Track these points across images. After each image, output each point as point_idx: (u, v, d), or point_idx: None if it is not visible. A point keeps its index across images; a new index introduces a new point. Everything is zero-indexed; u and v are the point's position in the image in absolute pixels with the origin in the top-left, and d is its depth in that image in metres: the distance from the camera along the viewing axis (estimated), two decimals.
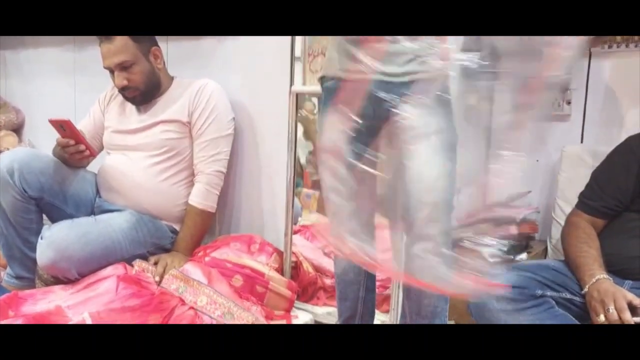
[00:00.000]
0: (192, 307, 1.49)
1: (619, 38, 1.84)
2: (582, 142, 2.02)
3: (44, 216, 1.74)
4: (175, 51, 2.04)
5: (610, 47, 1.88)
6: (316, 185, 2.26)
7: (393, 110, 1.26)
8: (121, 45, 1.72)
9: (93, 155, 1.76)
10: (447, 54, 1.31)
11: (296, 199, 2.04)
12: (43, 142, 2.41)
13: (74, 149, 1.68)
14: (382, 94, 1.26)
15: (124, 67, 1.74)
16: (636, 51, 1.86)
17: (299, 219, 2.24)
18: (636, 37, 1.81)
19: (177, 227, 1.80)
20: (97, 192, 1.83)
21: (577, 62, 1.97)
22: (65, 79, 2.36)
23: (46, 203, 1.70)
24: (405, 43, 1.23)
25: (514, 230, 1.89)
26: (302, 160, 2.67)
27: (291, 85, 1.79)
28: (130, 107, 1.85)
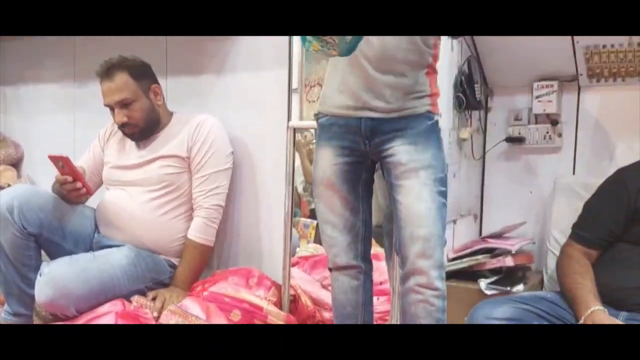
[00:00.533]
0: None
1: (606, 72, 1.89)
2: (574, 173, 2.06)
3: (43, 252, 1.75)
4: (175, 87, 2.07)
5: (598, 81, 1.93)
6: (314, 214, 2.27)
7: (383, 146, 1.29)
8: (121, 83, 1.76)
9: (90, 193, 1.77)
10: (437, 91, 1.35)
11: (294, 230, 2.05)
12: (42, 177, 2.43)
13: (72, 186, 1.70)
14: (372, 130, 1.29)
15: (124, 104, 1.77)
16: (623, 85, 1.92)
17: (297, 249, 2.25)
18: (623, 72, 1.86)
19: (175, 261, 1.81)
20: (96, 227, 1.84)
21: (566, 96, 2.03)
22: (65, 115, 2.39)
23: (45, 239, 1.70)
24: (397, 78, 1.27)
25: (509, 261, 1.91)
26: (300, 189, 2.69)
27: (289, 119, 1.82)
28: (130, 143, 1.87)
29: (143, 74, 1.81)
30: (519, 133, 2.11)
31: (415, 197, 1.25)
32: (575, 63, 1.90)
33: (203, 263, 1.82)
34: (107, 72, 1.77)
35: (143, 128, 1.81)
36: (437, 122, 1.33)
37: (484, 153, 2.23)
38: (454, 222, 2.08)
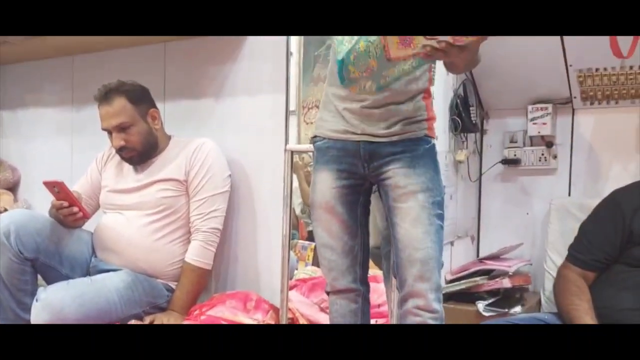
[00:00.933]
0: None
1: (600, 95, 1.92)
2: (569, 194, 2.07)
3: (39, 277, 1.74)
4: (173, 111, 2.09)
5: (592, 103, 1.96)
6: (312, 236, 2.27)
7: (381, 169, 1.30)
8: (119, 107, 1.77)
9: (86, 217, 1.78)
10: (433, 115, 1.37)
11: (292, 252, 2.05)
12: (39, 201, 2.43)
13: (68, 211, 1.70)
14: (371, 154, 1.30)
15: (121, 128, 1.78)
16: (616, 107, 1.94)
17: (295, 272, 2.25)
18: (616, 95, 1.89)
19: (173, 285, 1.80)
20: (93, 251, 1.83)
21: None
22: (62, 139, 2.40)
23: (42, 264, 1.70)
24: (396, 107, 1.28)
25: (507, 283, 1.91)
26: (297, 211, 2.69)
27: (286, 143, 1.84)
28: (128, 167, 1.88)
29: (141, 98, 1.83)
30: (515, 155, 2.12)
31: (413, 220, 1.26)
32: (569, 86, 1.93)
33: (201, 287, 1.81)
34: (105, 96, 1.78)
35: (141, 152, 1.82)
36: (434, 145, 1.34)
37: (480, 175, 2.25)
38: (452, 243, 2.08)
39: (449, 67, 1.27)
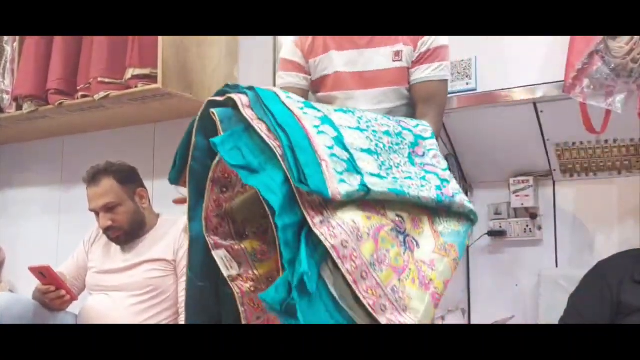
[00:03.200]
0: None
1: (578, 167, 1.98)
2: (557, 266, 2.08)
3: None
4: (162, 189, 2.11)
5: (571, 176, 2.01)
6: None
7: None
8: (107, 187, 1.79)
9: (74, 299, 1.75)
10: None
11: None
12: (23, 282, 2.39)
13: (55, 295, 1.68)
14: None
15: (109, 208, 1.79)
16: (595, 179, 1.99)
17: None
18: (594, 167, 1.94)
19: None
20: None
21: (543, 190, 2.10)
22: (49, 219, 2.40)
23: None
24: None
25: None
26: None
27: None
28: (115, 248, 1.87)
29: (129, 179, 1.85)
30: (500, 227, 2.15)
31: None
32: (548, 159, 1.99)
33: None
34: (93, 178, 1.80)
35: (127, 231, 1.82)
36: None
37: (468, 247, 2.26)
38: (443, 318, 2.06)
39: None
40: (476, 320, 2.27)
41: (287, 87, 1.43)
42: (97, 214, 1.81)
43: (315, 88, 1.51)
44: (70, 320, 1.81)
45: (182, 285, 1.78)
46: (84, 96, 1.99)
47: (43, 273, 1.67)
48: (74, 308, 1.85)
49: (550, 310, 1.92)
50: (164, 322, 1.77)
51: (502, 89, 1.75)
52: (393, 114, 1.39)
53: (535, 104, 1.77)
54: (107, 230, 1.81)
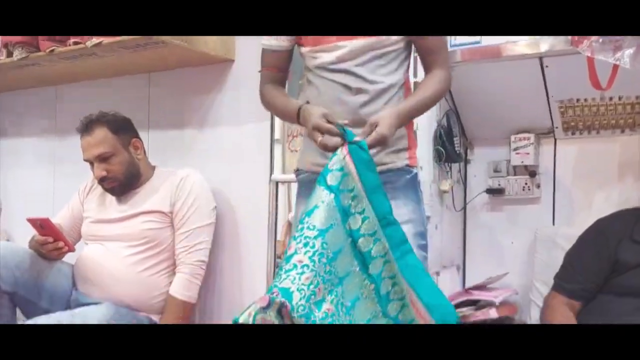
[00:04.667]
0: None
1: (581, 125, 1.95)
2: (553, 224, 2.08)
3: (18, 311, 1.70)
4: (157, 141, 2.08)
5: (573, 133, 1.98)
6: None
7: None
8: (100, 137, 1.76)
9: (71, 250, 1.75)
10: (415, 144, 1.37)
11: None
12: (19, 231, 2.39)
13: (53, 246, 1.68)
14: None
15: (103, 158, 1.76)
16: (598, 137, 1.97)
17: None
18: (597, 125, 1.92)
19: (156, 318, 1.76)
20: (74, 284, 1.80)
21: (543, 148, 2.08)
22: (44, 169, 2.38)
23: (20, 297, 1.66)
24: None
25: (493, 313, 1.90)
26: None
27: (271, 173, 1.83)
28: (110, 198, 1.86)
29: (123, 128, 1.82)
30: (499, 184, 2.13)
31: None
32: (551, 116, 1.96)
33: (185, 320, 1.78)
34: (86, 127, 1.77)
35: (122, 182, 1.80)
36: (415, 175, 1.34)
37: (465, 205, 2.25)
38: (437, 274, 2.07)
39: None
40: (470, 276, 2.29)
41: (270, 49, 1.38)
42: (92, 164, 1.79)
43: (300, 42, 1.43)
44: (66, 270, 1.81)
45: (180, 237, 1.77)
46: (75, 43, 1.93)
47: (42, 225, 1.66)
48: (70, 258, 1.85)
49: (545, 268, 1.93)
50: (160, 273, 1.77)
51: (507, 42, 1.70)
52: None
53: (540, 59, 1.73)
54: (102, 181, 1.79)
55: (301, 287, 1.00)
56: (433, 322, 1.14)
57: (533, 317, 1.96)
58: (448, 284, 2.18)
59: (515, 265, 2.16)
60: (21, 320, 1.65)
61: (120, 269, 1.75)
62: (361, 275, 1.11)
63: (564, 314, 1.56)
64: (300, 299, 0.99)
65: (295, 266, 1.01)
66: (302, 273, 1.01)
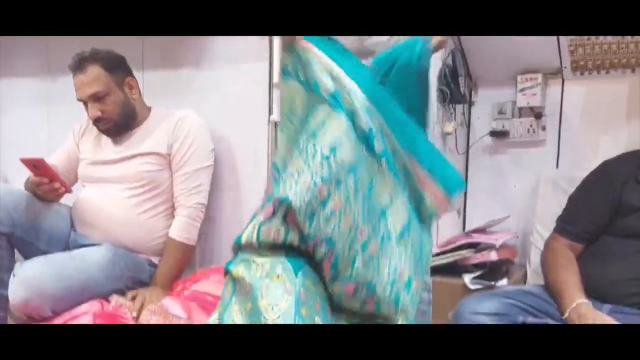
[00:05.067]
0: None
1: (590, 64, 1.89)
2: (557, 167, 2.05)
3: (17, 253, 1.69)
4: (152, 81, 2.02)
5: (582, 74, 1.93)
6: None
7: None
8: (94, 75, 1.70)
9: (68, 191, 1.72)
10: None
11: None
12: (15, 173, 2.36)
13: (49, 187, 1.65)
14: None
15: (97, 98, 1.71)
16: (607, 77, 1.91)
17: None
18: (607, 64, 1.86)
19: (155, 260, 1.76)
20: (72, 226, 1.78)
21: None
22: (39, 110, 2.32)
23: (18, 238, 1.65)
24: None
25: (493, 255, 1.90)
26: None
27: (270, 114, 1.78)
28: (106, 139, 1.82)
29: (116, 66, 1.76)
30: (503, 127, 2.10)
31: None
32: (560, 56, 1.90)
33: (185, 262, 1.77)
34: (79, 65, 1.71)
35: (118, 122, 1.75)
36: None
37: (468, 147, 2.22)
38: (438, 216, 2.06)
39: None
40: (471, 220, 2.28)
41: None
42: (86, 104, 1.74)
43: None
44: (64, 212, 1.79)
45: (178, 179, 1.75)
46: None
47: (35, 165, 1.63)
48: (67, 200, 1.83)
49: (547, 211, 1.92)
50: (159, 215, 1.76)
51: None
52: None
53: None
54: (96, 121, 1.75)
55: (299, 192, 0.98)
56: (436, 189, 1.12)
57: (533, 260, 1.96)
58: (448, 227, 2.17)
59: (516, 209, 2.16)
60: (20, 261, 1.64)
61: (119, 211, 1.73)
62: (370, 158, 1.07)
63: (565, 256, 1.55)
64: (301, 202, 0.97)
65: (291, 174, 1.00)
66: (299, 179, 0.99)
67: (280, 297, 0.98)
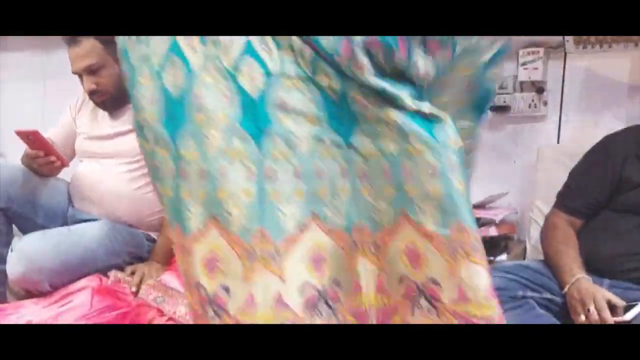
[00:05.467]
0: (171, 318, 1.46)
1: (593, 39, 1.86)
2: (558, 142, 2.04)
3: (15, 228, 1.69)
4: None
5: (584, 47, 1.90)
6: None
7: None
8: (88, 48, 1.67)
9: (64, 165, 1.71)
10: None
11: None
12: (11, 148, 2.35)
13: (44, 160, 1.63)
14: None
15: (92, 70, 1.68)
16: (610, 52, 1.88)
17: None
18: (609, 38, 1.83)
19: (154, 235, 1.76)
20: (70, 201, 1.78)
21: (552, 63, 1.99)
22: (33, 84, 2.30)
23: (14, 213, 1.65)
24: None
25: (493, 231, 1.90)
26: None
27: None
28: (103, 113, 1.80)
29: (112, 39, 1.72)
30: (504, 101, 2.07)
31: None
32: None
33: None
34: (73, 37, 1.68)
35: (114, 95, 1.72)
36: None
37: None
38: None
39: None
40: (471, 195, 2.27)
41: None
42: (81, 77, 1.71)
43: None
44: (62, 187, 1.78)
45: None
46: None
47: (30, 137, 1.61)
48: (65, 175, 1.82)
49: (547, 186, 1.91)
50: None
51: None
52: None
53: None
54: (92, 95, 1.72)
55: None
56: None
57: (533, 236, 1.96)
58: None
59: (516, 184, 2.14)
60: (18, 236, 1.64)
61: (117, 186, 1.72)
62: None
63: (565, 232, 1.55)
64: None
65: None
66: None
67: None
